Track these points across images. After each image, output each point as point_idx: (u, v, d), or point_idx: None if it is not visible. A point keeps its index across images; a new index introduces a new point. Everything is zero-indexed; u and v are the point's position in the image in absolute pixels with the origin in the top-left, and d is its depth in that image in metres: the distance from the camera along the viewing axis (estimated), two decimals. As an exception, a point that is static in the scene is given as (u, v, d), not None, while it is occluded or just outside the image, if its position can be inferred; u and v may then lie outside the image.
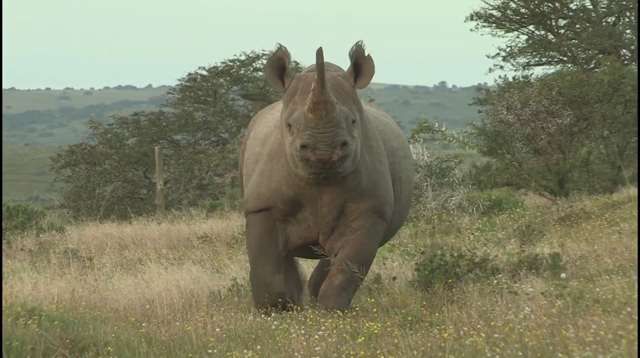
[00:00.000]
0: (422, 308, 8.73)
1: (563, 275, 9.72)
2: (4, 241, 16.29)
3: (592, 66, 29.99)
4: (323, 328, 8.23)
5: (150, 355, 7.77)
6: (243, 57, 31.78)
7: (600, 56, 29.52)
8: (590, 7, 30.69)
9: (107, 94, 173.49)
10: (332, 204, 9.00)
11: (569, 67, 29.21)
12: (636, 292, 8.09)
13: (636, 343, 6.52)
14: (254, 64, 31.64)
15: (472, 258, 9.99)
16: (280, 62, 8.95)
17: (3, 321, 7.79)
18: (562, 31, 30.69)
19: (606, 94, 20.38)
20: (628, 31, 30.10)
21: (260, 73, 31.61)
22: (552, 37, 30.68)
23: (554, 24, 30.69)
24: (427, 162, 17.99)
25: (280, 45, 8.95)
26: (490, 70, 31.18)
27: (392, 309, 8.94)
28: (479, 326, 7.73)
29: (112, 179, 29.56)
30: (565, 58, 30.51)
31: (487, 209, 17.23)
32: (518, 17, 30.73)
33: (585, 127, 20.33)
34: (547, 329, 7.31)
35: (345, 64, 9.15)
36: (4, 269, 12.54)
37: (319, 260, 9.81)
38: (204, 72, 31.77)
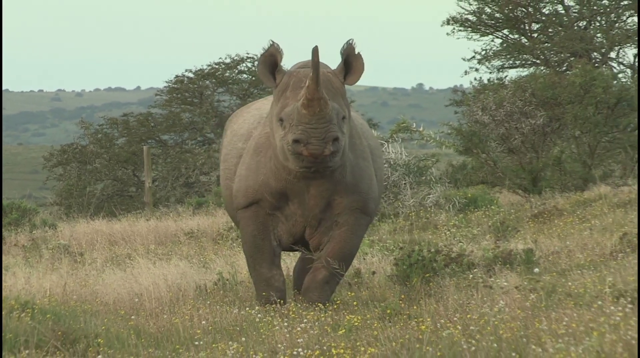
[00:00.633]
0: (400, 302, 8.79)
1: (536, 270, 9.76)
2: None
3: (564, 68, 30.19)
4: (305, 320, 8.28)
5: (139, 346, 7.81)
6: (228, 60, 31.94)
7: (572, 59, 29.75)
8: (563, 11, 30.93)
9: (97, 95, 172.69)
10: (320, 196, 9.07)
11: (542, 70, 29.37)
12: (607, 286, 8.21)
13: (607, 335, 6.61)
14: (238, 66, 31.79)
15: (449, 254, 10.02)
16: (272, 58, 8.97)
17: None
18: (535, 35, 30.90)
19: (578, 95, 20.54)
20: (599, 35, 30.35)
21: (245, 75, 31.81)
22: (526, 40, 30.89)
23: (527, 28, 30.91)
24: (406, 161, 17.94)
25: (273, 42, 8.97)
26: (466, 72, 31.29)
27: (372, 302, 9.02)
28: (455, 319, 7.80)
29: (102, 177, 29.59)
30: (538, 61, 30.72)
31: (463, 207, 17.23)
32: (493, 22, 30.92)
33: (558, 127, 20.46)
34: (521, 322, 7.34)
35: (330, 64, 9.30)
36: (-2, 264, 12.50)
37: (300, 253, 9.84)
38: (191, 75, 31.85)
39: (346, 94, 9.16)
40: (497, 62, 31.02)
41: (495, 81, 30.05)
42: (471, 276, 9.58)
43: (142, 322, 8.79)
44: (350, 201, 9.17)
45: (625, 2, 30.39)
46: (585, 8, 30.60)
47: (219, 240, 15.62)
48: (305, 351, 7.34)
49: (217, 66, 31.87)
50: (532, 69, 30.23)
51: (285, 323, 8.25)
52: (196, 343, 7.92)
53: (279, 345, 7.56)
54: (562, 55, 30.33)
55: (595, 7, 30.51)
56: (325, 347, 7.39)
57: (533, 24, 30.91)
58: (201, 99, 31.49)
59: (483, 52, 31.04)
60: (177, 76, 31.88)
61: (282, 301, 9.26)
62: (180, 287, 10.25)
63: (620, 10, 30.46)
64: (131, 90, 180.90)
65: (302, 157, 8.71)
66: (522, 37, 30.96)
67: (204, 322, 8.63)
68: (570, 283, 8.82)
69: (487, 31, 31.00)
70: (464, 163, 21.37)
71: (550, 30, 30.76)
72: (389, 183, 17.76)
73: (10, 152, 74.54)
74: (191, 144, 30.86)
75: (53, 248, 13.60)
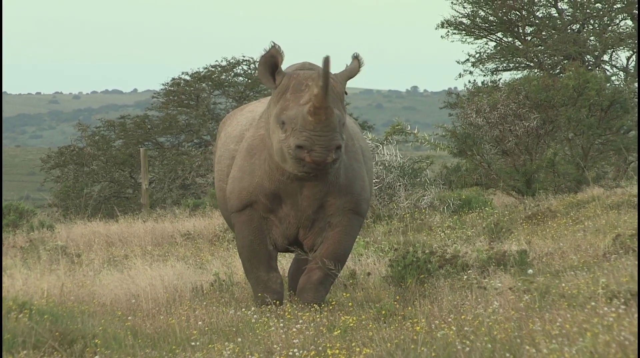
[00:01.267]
0: (395, 303, 8.80)
1: (530, 271, 9.82)
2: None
3: (557, 71, 30.28)
4: (301, 321, 8.31)
5: (136, 347, 7.85)
6: (224, 63, 32.03)
7: (565, 61, 29.84)
8: (556, 15, 31.03)
9: (94, 98, 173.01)
10: (313, 198, 9.10)
11: (536, 73, 29.45)
12: (600, 287, 8.24)
13: (600, 335, 6.64)
14: (234, 69, 31.88)
15: (443, 255, 10.10)
16: (272, 60, 8.97)
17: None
18: (529, 38, 30.98)
19: (571, 98, 20.62)
20: (592, 38, 30.45)
21: (241, 78, 31.89)
22: (519, 43, 30.97)
23: (521, 31, 31.00)
24: (400, 163, 17.97)
25: (274, 43, 8.97)
26: (460, 75, 31.36)
27: (367, 303, 9.04)
28: (449, 319, 7.83)
29: (99, 179, 29.64)
30: (531, 64, 30.81)
31: (458, 208, 17.28)
32: (487, 25, 30.99)
33: (551, 129, 20.52)
34: (515, 322, 7.35)
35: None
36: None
37: (294, 254, 9.86)
38: (187, 77, 31.92)
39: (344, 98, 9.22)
40: (491, 65, 31.13)
41: (489, 84, 30.15)
42: (465, 277, 9.62)
43: (139, 323, 8.81)
44: (344, 202, 9.21)
45: (618, 6, 30.49)
46: (578, 11, 30.70)
47: (215, 241, 15.63)
48: (301, 352, 7.37)
49: (213, 69, 31.96)
50: (525, 72, 30.32)
51: (281, 324, 8.27)
52: (192, 343, 7.96)
53: (275, 346, 7.59)
54: (556, 58, 30.42)
55: (588, 11, 30.61)
56: (320, 348, 7.42)
57: (527, 27, 31.01)
58: (197, 101, 31.55)
59: (477, 55, 31.13)
60: (173, 79, 31.98)
61: (278, 302, 9.29)
62: (176, 288, 10.27)
63: (613, 14, 30.56)
64: (128, 92, 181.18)
65: (303, 162, 8.74)
66: (516, 40, 31.04)
67: (200, 323, 8.66)
68: (563, 284, 8.83)
69: (481, 34, 31.08)
70: (458, 165, 21.40)
71: (543, 33, 30.86)
72: (383, 185, 17.81)
73: (8, 154, 74.51)
74: (187, 146, 30.93)
75: (51, 250, 13.60)
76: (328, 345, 7.47)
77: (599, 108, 20.66)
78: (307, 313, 8.74)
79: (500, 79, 30.71)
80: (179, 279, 10.53)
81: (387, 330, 7.77)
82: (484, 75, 31.22)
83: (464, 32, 30.98)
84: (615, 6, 30.46)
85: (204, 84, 31.76)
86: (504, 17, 30.70)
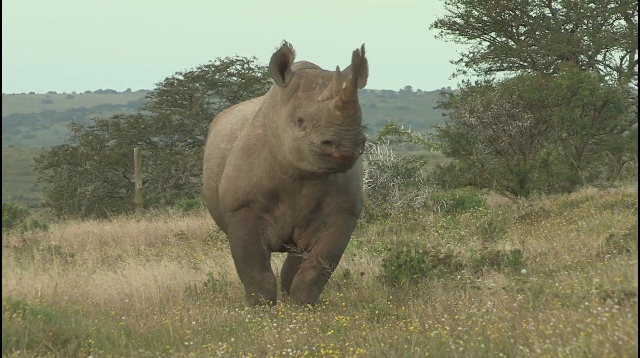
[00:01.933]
0: (388, 302, 8.82)
1: (524, 271, 9.84)
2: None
3: (551, 71, 30.34)
4: (294, 321, 8.32)
5: (130, 347, 7.85)
6: (218, 63, 32.03)
7: (559, 61, 29.89)
8: (550, 15, 31.08)
9: (88, 98, 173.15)
10: (311, 197, 9.10)
11: (529, 72, 29.48)
12: (594, 287, 8.25)
13: (594, 335, 6.65)
14: (227, 69, 31.89)
15: (437, 255, 10.10)
16: (283, 58, 8.93)
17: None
18: (523, 38, 31.03)
19: (565, 98, 20.65)
20: (586, 38, 30.50)
21: (234, 78, 31.90)
22: (513, 43, 31.01)
23: (514, 31, 31.04)
24: (394, 163, 17.99)
25: (286, 42, 8.93)
26: (453, 75, 31.39)
27: (360, 303, 9.07)
28: (443, 319, 7.82)
29: (93, 179, 29.63)
30: (525, 64, 30.85)
31: (451, 208, 17.29)
32: (480, 25, 31.03)
33: (545, 129, 20.55)
34: (508, 322, 7.37)
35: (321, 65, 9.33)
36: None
37: (287, 253, 9.90)
38: (181, 77, 31.91)
39: None
40: (484, 65, 31.16)
41: (483, 84, 30.19)
42: (459, 277, 9.63)
43: (133, 323, 8.81)
44: (340, 201, 9.22)
45: (612, 6, 30.55)
46: (572, 11, 30.75)
47: (208, 241, 15.62)
48: (295, 351, 7.38)
49: (207, 69, 31.97)
50: (519, 72, 30.37)
51: (275, 324, 8.27)
52: (186, 343, 7.96)
53: (268, 346, 7.59)
54: (549, 58, 30.47)
55: (582, 11, 30.66)
56: (314, 348, 7.42)
57: (520, 27, 31.05)
58: (191, 101, 31.55)
59: (471, 55, 31.16)
60: (167, 79, 31.98)
61: (272, 302, 9.29)
62: (170, 288, 10.26)
63: (606, 14, 30.62)
64: (121, 92, 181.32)
65: (328, 158, 8.66)
66: (510, 40, 31.08)
67: (193, 323, 8.66)
68: (557, 284, 8.83)
69: (475, 34, 31.12)
70: (451, 164, 21.43)
71: (537, 33, 30.90)
72: (377, 185, 17.83)
73: (1, 154, 74.44)
74: (181, 146, 30.93)
75: (44, 249, 13.57)
76: (322, 344, 7.47)
77: (592, 108, 20.69)
78: (301, 313, 8.74)
79: (493, 78, 30.79)
80: (173, 279, 10.52)
81: (380, 329, 7.77)
82: (478, 75, 31.30)
83: (457, 32, 31.02)
84: (608, 6, 30.52)
85: (197, 84, 31.77)
86: (498, 17, 30.74)
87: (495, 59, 31.02)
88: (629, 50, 30.39)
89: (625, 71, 30.29)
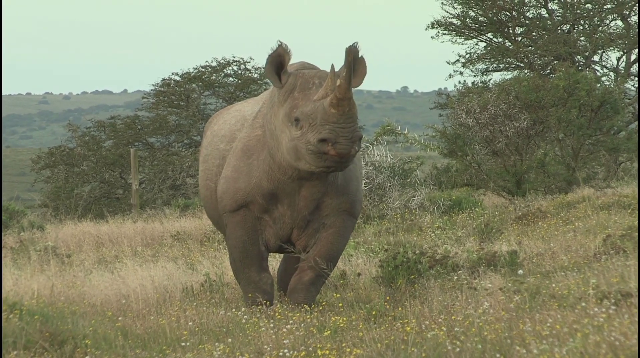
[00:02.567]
0: (385, 303, 8.81)
1: (520, 272, 9.84)
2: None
3: (547, 71, 30.37)
4: (291, 322, 8.33)
5: (126, 347, 7.85)
6: (214, 64, 32.01)
7: (555, 62, 29.92)
8: (546, 15, 31.12)
9: (84, 98, 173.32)
10: (310, 198, 9.11)
11: (526, 73, 29.50)
12: (590, 288, 8.25)
13: (591, 336, 6.66)
14: (224, 70, 31.89)
15: (433, 255, 10.10)
16: (279, 59, 8.94)
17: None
18: (519, 39, 31.05)
19: (561, 98, 20.67)
20: (582, 38, 30.54)
21: (231, 79, 31.91)
22: (510, 44, 31.04)
23: (511, 31, 31.07)
24: (390, 163, 18.04)
25: (281, 42, 8.93)
26: (450, 76, 31.41)
27: (357, 304, 9.05)
28: (440, 320, 7.85)
29: (89, 179, 29.66)
30: (522, 64, 30.88)
31: (448, 209, 17.31)
32: (477, 25, 31.06)
33: (542, 130, 20.57)
34: (505, 323, 7.38)
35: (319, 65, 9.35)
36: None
37: (283, 254, 9.88)
38: (177, 78, 31.89)
39: None
40: (481, 66, 31.19)
41: (480, 84, 30.22)
42: (456, 278, 9.64)
43: (129, 323, 8.82)
44: (339, 202, 9.23)
45: (609, 6, 30.59)
46: (568, 12, 30.79)
47: (205, 241, 15.65)
48: (291, 352, 7.40)
49: (203, 69, 31.95)
50: (516, 73, 30.40)
51: (272, 325, 8.28)
52: (183, 344, 7.97)
53: (265, 346, 7.60)
54: (546, 58, 30.50)
55: (578, 11, 30.70)
56: (311, 348, 7.44)
57: (517, 28, 31.08)
58: (188, 102, 31.55)
59: (467, 56, 31.18)
60: (164, 79, 31.97)
61: (269, 303, 9.29)
62: (167, 288, 10.28)
63: (603, 14, 30.66)
64: (118, 93, 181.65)
65: (325, 157, 8.67)
66: (506, 41, 31.11)
67: (190, 323, 8.68)
68: (554, 285, 8.84)
69: (472, 35, 31.14)
70: (448, 165, 21.45)
71: (534, 33, 30.93)
72: (373, 186, 17.85)
73: (-2, 154, 74.41)
74: (178, 147, 30.94)
75: (41, 250, 13.58)
76: (318, 345, 7.48)
77: (589, 109, 20.72)
78: (298, 314, 8.76)
79: (490, 79, 30.80)
80: (169, 280, 10.54)
81: (377, 330, 7.78)
82: (474, 76, 31.32)
83: (454, 32, 31.04)
84: (605, 7, 30.56)
85: (194, 85, 31.77)
86: (494, 18, 30.77)
87: (492, 59, 31.04)
88: (625, 51, 30.43)
89: (622, 71, 30.33)
